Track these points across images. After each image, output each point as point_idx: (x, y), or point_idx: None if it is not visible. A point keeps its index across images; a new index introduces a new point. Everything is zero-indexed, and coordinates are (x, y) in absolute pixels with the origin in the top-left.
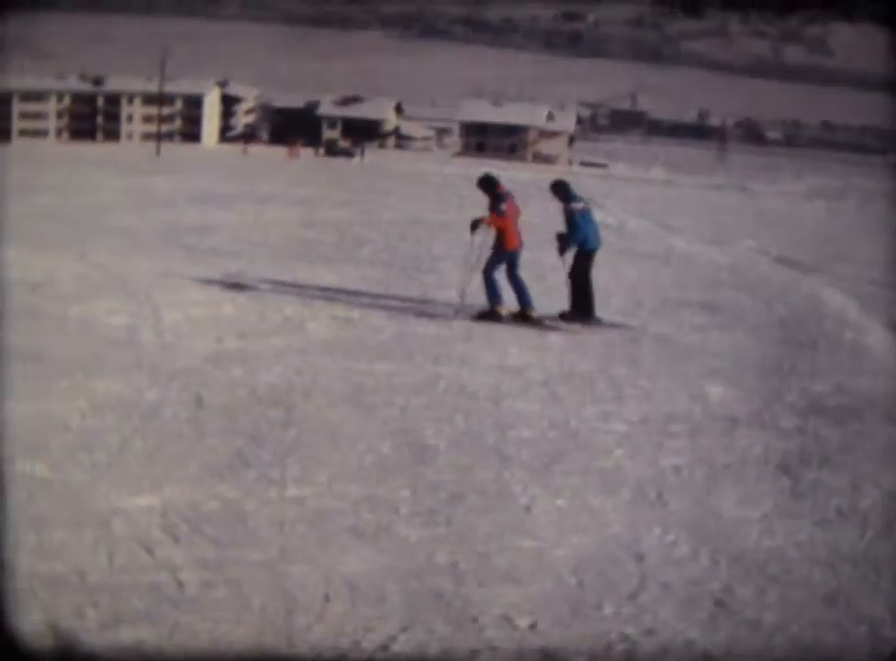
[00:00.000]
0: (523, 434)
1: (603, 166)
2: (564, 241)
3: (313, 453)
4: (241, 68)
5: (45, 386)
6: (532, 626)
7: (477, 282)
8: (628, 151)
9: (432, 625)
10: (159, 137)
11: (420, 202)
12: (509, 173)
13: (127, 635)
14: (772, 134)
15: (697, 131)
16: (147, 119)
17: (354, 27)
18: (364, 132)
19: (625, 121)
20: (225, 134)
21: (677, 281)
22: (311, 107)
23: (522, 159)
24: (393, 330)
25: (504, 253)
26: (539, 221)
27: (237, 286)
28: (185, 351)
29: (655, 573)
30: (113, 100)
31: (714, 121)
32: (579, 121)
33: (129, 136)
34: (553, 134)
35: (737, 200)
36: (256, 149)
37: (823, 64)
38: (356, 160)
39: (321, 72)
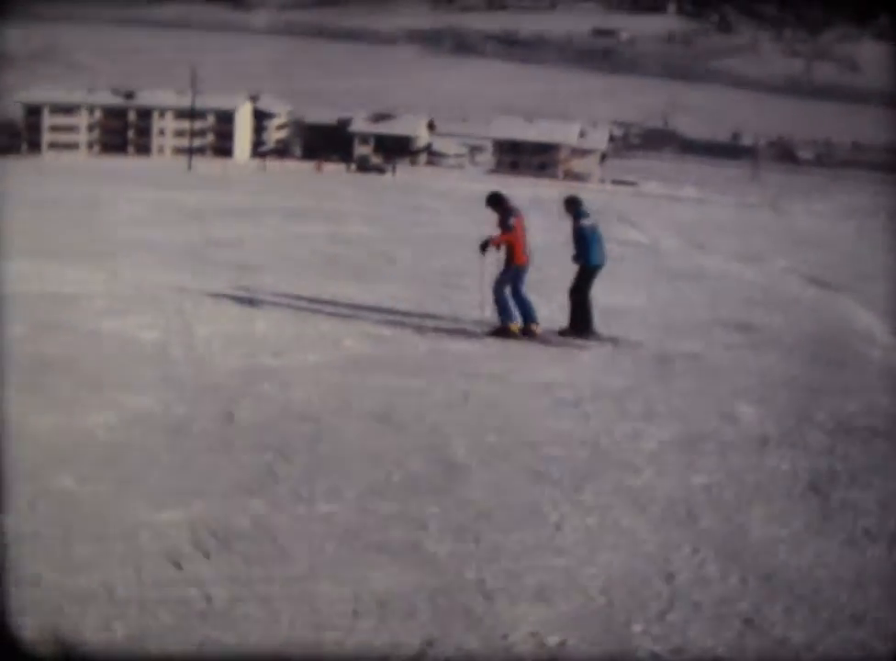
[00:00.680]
0: (554, 452)
1: (634, 185)
2: (575, 260)
3: (343, 469)
4: (273, 83)
5: (75, 399)
6: (562, 644)
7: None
8: (660, 170)
9: (461, 642)
10: (190, 151)
11: (452, 219)
12: (539, 190)
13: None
14: (804, 153)
15: (729, 150)
16: (178, 134)
17: (387, 42)
18: (395, 149)
19: (657, 139)
20: (257, 149)
21: (709, 300)
22: (344, 123)
23: (554, 176)
24: (425, 347)
25: (514, 269)
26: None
27: (268, 302)
28: (216, 366)
29: (684, 592)
30: (144, 114)
31: (746, 140)
32: (611, 139)
33: (161, 150)
34: (585, 152)
35: (769, 219)
36: (275, 164)
37: (854, 83)
38: (388, 176)
39: (354, 88)
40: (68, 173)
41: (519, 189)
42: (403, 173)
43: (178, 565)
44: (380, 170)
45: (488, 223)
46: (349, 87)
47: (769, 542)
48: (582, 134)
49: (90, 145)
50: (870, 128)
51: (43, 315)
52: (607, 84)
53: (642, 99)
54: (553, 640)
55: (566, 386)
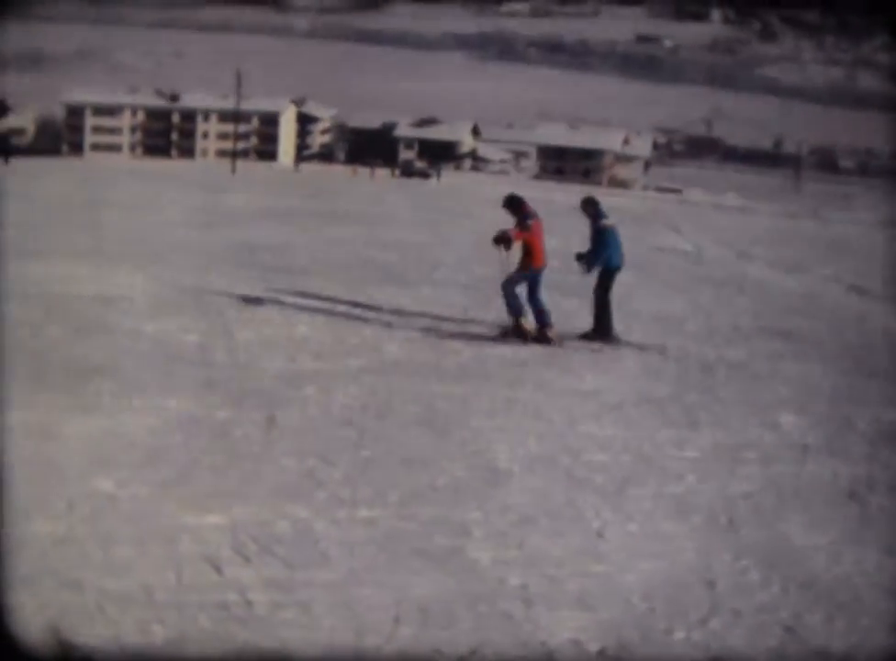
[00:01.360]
0: (596, 458)
1: (678, 192)
2: (588, 259)
3: (385, 475)
4: (318, 86)
5: (116, 402)
6: (602, 651)
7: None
8: (703, 177)
9: (502, 648)
10: (234, 154)
11: (496, 225)
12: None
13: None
14: (845, 162)
15: (771, 158)
16: (222, 137)
17: (432, 47)
18: (440, 154)
19: (701, 147)
20: (301, 153)
21: (752, 308)
22: (388, 128)
23: (598, 183)
24: (469, 353)
25: (530, 271)
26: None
27: (310, 305)
28: (258, 370)
29: (725, 599)
30: (188, 116)
31: (788, 148)
32: (655, 146)
33: (204, 153)
34: (629, 159)
35: (811, 228)
36: (311, 167)
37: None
38: (432, 181)
39: (398, 93)
40: (110, 175)
41: (562, 195)
42: (447, 178)
43: (218, 570)
44: (424, 175)
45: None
46: (393, 92)
47: (809, 549)
48: (626, 141)
49: (132, 147)
50: None
51: (84, 317)
52: (650, 91)
53: (685, 107)
54: (593, 647)
55: (610, 392)
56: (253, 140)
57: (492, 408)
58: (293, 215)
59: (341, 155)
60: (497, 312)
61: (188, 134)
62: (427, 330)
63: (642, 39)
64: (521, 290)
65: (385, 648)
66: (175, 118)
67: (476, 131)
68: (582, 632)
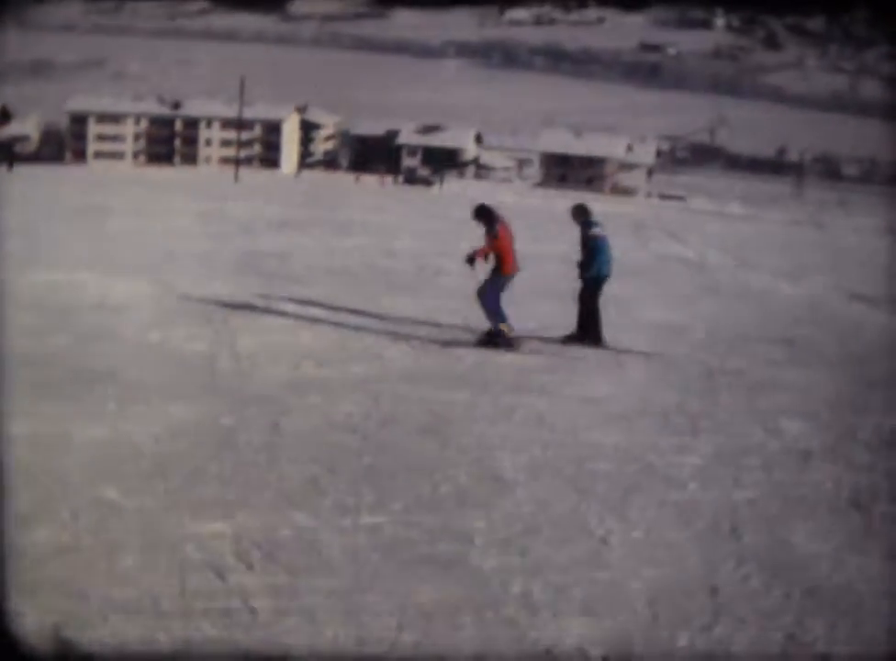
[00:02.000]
0: (600, 466)
1: (681, 199)
2: (582, 271)
3: (389, 482)
4: (320, 94)
5: (121, 410)
6: (606, 658)
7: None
8: (706, 185)
9: (506, 655)
10: (237, 162)
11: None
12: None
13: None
14: (848, 170)
15: (775, 166)
16: (225, 144)
17: (435, 55)
18: (443, 161)
19: (704, 154)
20: (305, 160)
21: (754, 316)
22: (391, 135)
23: (601, 190)
24: (472, 360)
25: (501, 278)
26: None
27: (313, 313)
28: (262, 377)
29: (728, 606)
30: (191, 124)
31: (792, 156)
32: (658, 154)
33: (207, 160)
34: (632, 166)
35: (813, 236)
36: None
37: None
38: (435, 188)
39: (401, 100)
40: (114, 183)
41: (565, 202)
42: (450, 185)
43: (222, 577)
44: (427, 182)
45: (536, 236)
46: (397, 99)
47: (812, 556)
48: (629, 148)
49: (136, 155)
50: None
51: (88, 325)
52: (654, 99)
53: (689, 114)
54: (597, 653)
55: (613, 399)
56: (257, 148)
57: (495, 416)
58: (296, 223)
59: (345, 162)
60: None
61: (191, 142)
62: (430, 338)
63: (646, 46)
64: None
65: (388, 655)
66: (178, 126)
67: (479, 139)
68: (586, 640)
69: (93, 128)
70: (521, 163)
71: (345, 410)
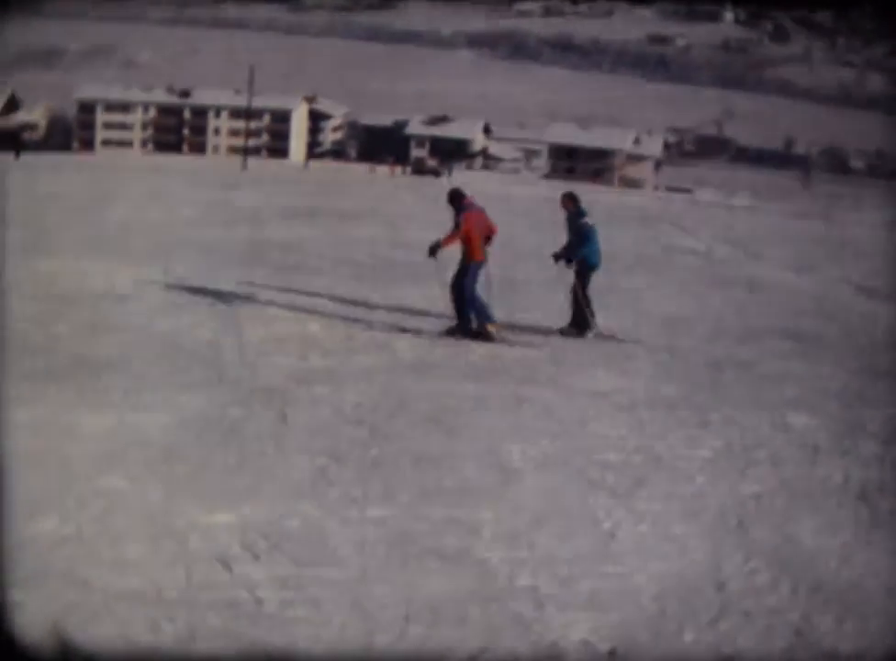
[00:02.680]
0: (608, 458)
1: (689, 192)
2: (567, 253)
3: (396, 474)
4: (329, 84)
5: (127, 398)
6: (612, 652)
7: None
8: (714, 177)
9: (512, 648)
10: (245, 151)
11: (508, 224)
12: (595, 196)
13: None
14: (855, 163)
15: (782, 159)
16: (234, 133)
17: (444, 46)
18: (451, 152)
19: (711, 147)
20: (313, 150)
21: (762, 308)
22: (400, 126)
23: (609, 183)
24: (480, 352)
25: (471, 265)
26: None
27: (321, 304)
28: (269, 367)
29: (735, 601)
30: (200, 113)
31: (799, 149)
32: (666, 146)
33: (216, 149)
34: (640, 158)
35: (821, 228)
36: (319, 165)
37: None
38: (444, 179)
39: (410, 91)
40: (121, 171)
41: None
42: (459, 176)
43: (228, 568)
44: (436, 173)
45: (543, 227)
46: (405, 90)
47: (819, 551)
48: (637, 141)
49: (144, 143)
50: None
51: (94, 313)
52: (662, 91)
53: (696, 107)
54: (604, 647)
55: (621, 392)
56: (265, 137)
57: (504, 407)
58: (304, 212)
59: (353, 153)
60: (506, 310)
61: (200, 130)
62: (437, 329)
63: (654, 39)
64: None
65: (395, 647)
66: (187, 115)
67: (487, 130)
68: (592, 633)
69: (101, 117)
70: (529, 155)
71: (353, 401)
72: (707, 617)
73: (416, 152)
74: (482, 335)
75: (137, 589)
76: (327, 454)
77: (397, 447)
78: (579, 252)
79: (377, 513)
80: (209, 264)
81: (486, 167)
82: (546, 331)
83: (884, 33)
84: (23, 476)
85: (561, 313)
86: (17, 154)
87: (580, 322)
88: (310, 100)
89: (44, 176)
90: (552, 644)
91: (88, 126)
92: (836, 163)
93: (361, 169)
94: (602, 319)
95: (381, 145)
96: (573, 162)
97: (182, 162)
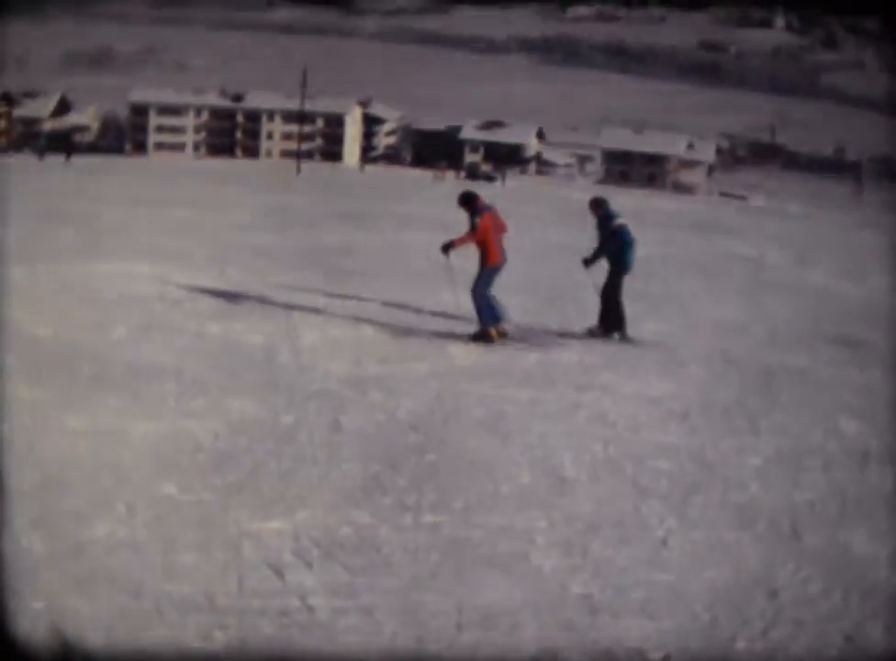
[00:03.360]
0: (661, 465)
1: (743, 198)
2: (613, 260)
3: (450, 481)
4: (383, 88)
5: (180, 404)
6: (665, 659)
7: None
8: (765, 183)
9: (565, 656)
10: (299, 155)
11: (563, 229)
12: (648, 202)
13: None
14: None
15: (834, 166)
16: (287, 137)
17: (498, 50)
18: (505, 157)
19: (763, 153)
20: (366, 154)
21: (813, 314)
22: (453, 131)
23: (662, 188)
24: (534, 357)
25: (488, 269)
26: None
27: (376, 308)
28: (323, 373)
29: (787, 609)
30: (253, 117)
31: (850, 156)
32: (719, 152)
33: (269, 153)
34: (692, 164)
35: (873, 236)
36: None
37: None
38: (498, 184)
39: (464, 96)
40: (174, 174)
41: (624, 199)
42: (512, 181)
43: (280, 575)
44: (489, 178)
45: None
46: (458, 94)
47: (871, 559)
48: (690, 146)
49: (196, 147)
50: None
51: (148, 317)
52: (714, 97)
53: (748, 113)
54: (656, 655)
55: (674, 398)
56: (318, 141)
57: (557, 413)
58: (359, 216)
59: (407, 157)
60: (562, 315)
61: (253, 134)
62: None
63: (706, 45)
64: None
65: (446, 655)
66: (240, 118)
67: (540, 135)
68: (645, 641)
69: (154, 120)
70: (583, 160)
71: (407, 407)
72: (759, 625)
73: (470, 157)
74: (482, 337)
75: (188, 596)
76: (381, 461)
77: (451, 454)
78: (628, 257)
79: (431, 520)
80: (264, 268)
81: (539, 172)
82: (593, 336)
83: None
84: (76, 482)
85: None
86: (68, 156)
87: (611, 323)
88: (364, 104)
89: (96, 179)
90: (605, 651)
91: (141, 129)
92: (888, 171)
93: (416, 173)
94: (655, 324)
95: (434, 150)
96: (626, 167)
97: (235, 165)
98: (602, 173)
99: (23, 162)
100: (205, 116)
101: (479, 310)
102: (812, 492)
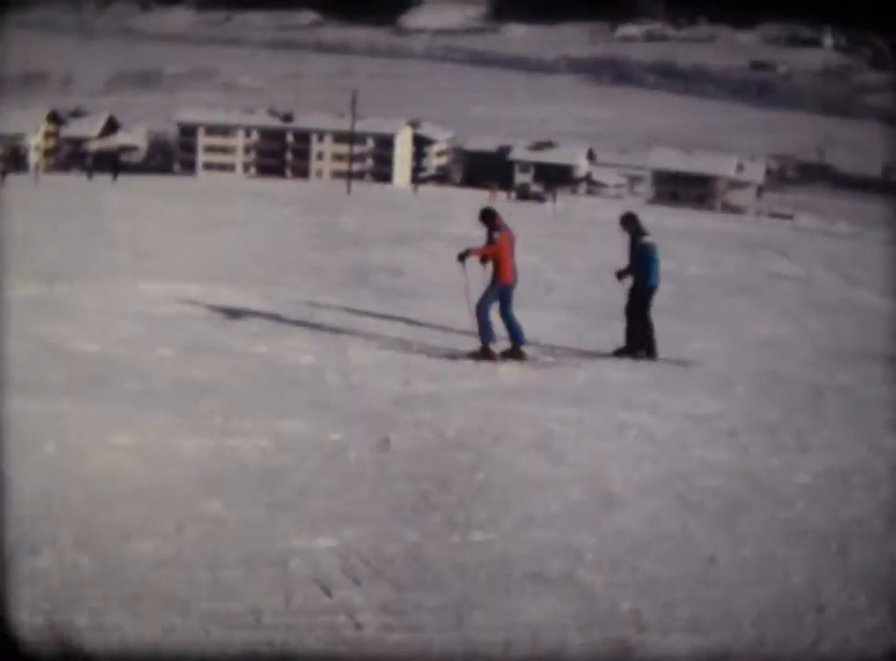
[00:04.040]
0: (709, 483)
1: (790, 218)
2: (638, 277)
3: (499, 498)
4: (432, 108)
5: (228, 422)
6: None
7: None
8: (814, 204)
9: None
10: (349, 175)
11: (611, 249)
12: (697, 222)
13: None
14: None
15: (882, 186)
16: (337, 157)
17: (547, 70)
18: (555, 178)
19: (813, 174)
20: (416, 175)
21: (861, 333)
22: (503, 151)
23: (712, 208)
24: (582, 376)
25: (499, 288)
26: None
27: (425, 328)
28: (372, 392)
29: (834, 625)
30: (302, 137)
31: None
32: (768, 172)
33: (319, 174)
34: (742, 185)
35: None
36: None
37: None
38: (548, 205)
39: (514, 116)
40: (224, 194)
41: (673, 219)
42: (562, 201)
43: (328, 592)
44: (540, 198)
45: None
46: (509, 115)
47: None
48: (740, 167)
49: (246, 167)
50: None
51: (195, 337)
52: (764, 118)
53: (797, 133)
54: None
55: (721, 416)
56: (369, 162)
57: (606, 432)
58: (410, 237)
59: (457, 178)
60: (611, 334)
61: (303, 154)
62: (542, 352)
63: (756, 65)
64: (494, 308)
65: None
66: (290, 139)
67: (591, 155)
68: (693, 657)
69: (202, 140)
70: (633, 181)
71: (456, 426)
72: (807, 641)
73: (520, 178)
74: (483, 354)
75: (234, 613)
76: (430, 479)
77: (500, 472)
78: (648, 275)
79: (480, 538)
80: (313, 288)
81: (590, 193)
82: (619, 356)
83: None
84: (122, 499)
85: (665, 337)
86: (115, 176)
87: (640, 345)
88: (414, 125)
89: (145, 198)
90: None
91: (189, 149)
92: None
93: (467, 193)
94: (702, 342)
95: (485, 170)
96: (676, 188)
97: (285, 186)
98: (652, 193)
99: (71, 182)
100: (254, 136)
101: (480, 326)
102: (859, 509)
